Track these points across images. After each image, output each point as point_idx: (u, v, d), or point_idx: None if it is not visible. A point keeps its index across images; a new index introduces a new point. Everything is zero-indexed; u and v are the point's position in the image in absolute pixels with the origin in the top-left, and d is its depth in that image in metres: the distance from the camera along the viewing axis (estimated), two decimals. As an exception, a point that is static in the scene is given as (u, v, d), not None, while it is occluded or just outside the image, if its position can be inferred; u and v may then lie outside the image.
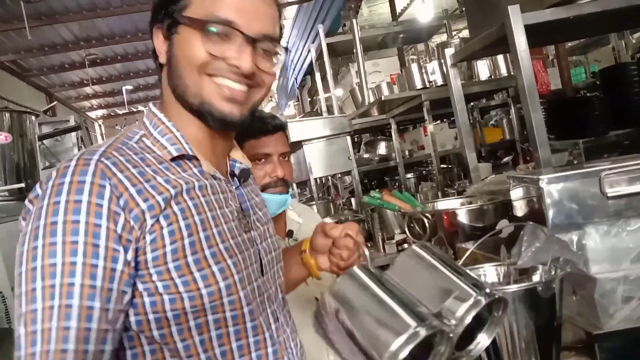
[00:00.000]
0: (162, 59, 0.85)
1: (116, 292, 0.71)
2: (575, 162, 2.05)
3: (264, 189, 1.49)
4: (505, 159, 4.44)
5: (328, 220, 2.93)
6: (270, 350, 0.86)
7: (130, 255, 0.73)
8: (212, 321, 0.79)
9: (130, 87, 11.92)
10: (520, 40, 1.55)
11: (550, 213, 1.16)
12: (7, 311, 2.58)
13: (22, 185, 1.46)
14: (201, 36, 0.80)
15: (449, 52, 2.13)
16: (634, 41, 5.46)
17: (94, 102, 13.52)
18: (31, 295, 0.68)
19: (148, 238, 0.74)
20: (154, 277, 0.75)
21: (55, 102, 9.84)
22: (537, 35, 1.63)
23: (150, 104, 0.90)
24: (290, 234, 1.58)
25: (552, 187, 1.17)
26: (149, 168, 0.79)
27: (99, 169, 0.74)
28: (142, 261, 0.74)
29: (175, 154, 0.83)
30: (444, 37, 5.58)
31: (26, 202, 0.77)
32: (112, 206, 0.72)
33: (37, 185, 0.75)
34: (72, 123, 6.31)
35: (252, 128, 1.42)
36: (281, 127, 1.52)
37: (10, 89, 8.85)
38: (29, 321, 0.67)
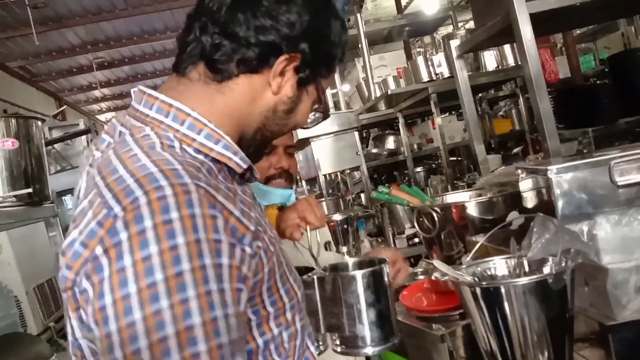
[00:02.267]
0: (276, 90, 0.77)
1: (242, 340, 0.64)
2: (585, 151, 2.02)
3: (267, 180, 1.48)
4: (515, 150, 4.41)
5: (338, 216, 2.92)
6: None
7: (247, 292, 0.65)
8: (286, 336, 0.77)
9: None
10: (526, 30, 1.53)
11: (560, 204, 1.15)
12: (22, 314, 2.60)
13: (30, 190, 1.47)
14: (312, 109, 0.84)
15: (454, 43, 2.10)
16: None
17: (103, 105, 13.60)
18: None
19: (253, 263, 0.67)
20: (246, 306, 0.67)
21: (64, 107, 9.92)
22: (543, 23, 1.61)
23: (159, 95, 0.75)
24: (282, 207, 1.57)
25: (561, 177, 1.15)
26: (223, 182, 0.71)
27: (202, 195, 0.61)
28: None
29: (244, 166, 0.76)
30: (450, 29, 5.54)
31: (99, 251, 0.59)
32: (228, 238, 0.62)
33: (106, 234, 0.59)
34: (81, 127, 6.37)
35: None
36: None
37: (19, 95, 8.93)
38: None
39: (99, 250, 0.58)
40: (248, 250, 0.65)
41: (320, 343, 0.97)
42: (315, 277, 0.96)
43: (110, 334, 0.56)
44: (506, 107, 4.92)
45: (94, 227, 0.60)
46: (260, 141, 0.82)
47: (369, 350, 0.91)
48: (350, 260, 1.02)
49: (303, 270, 1.01)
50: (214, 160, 0.73)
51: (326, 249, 1.54)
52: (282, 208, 1.32)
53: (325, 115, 0.90)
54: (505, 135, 4.80)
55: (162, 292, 0.56)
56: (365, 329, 0.91)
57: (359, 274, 0.92)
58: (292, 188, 1.53)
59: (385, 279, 0.96)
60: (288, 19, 0.74)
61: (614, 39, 5.59)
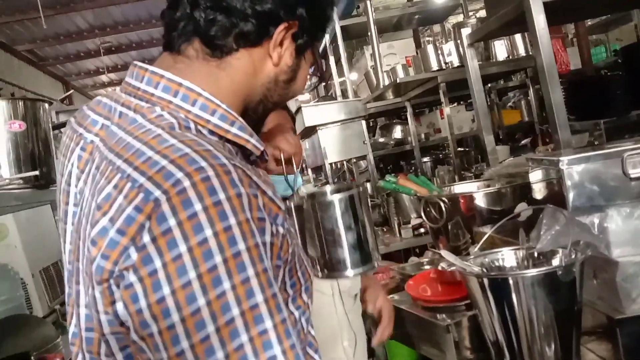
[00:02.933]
0: (277, 60, 0.75)
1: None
2: (596, 143, 2.00)
3: (268, 170, 1.47)
4: (523, 141, 4.37)
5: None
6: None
7: (282, 271, 0.68)
8: (304, 320, 0.78)
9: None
10: (539, 18, 1.50)
11: (571, 195, 1.13)
12: (28, 297, 2.62)
13: (37, 172, 1.47)
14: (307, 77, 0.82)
15: (466, 32, 2.08)
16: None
17: (110, 90, 13.62)
18: (230, 329, 0.55)
19: (284, 243, 0.67)
20: None
21: (71, 91, 9.93)
22: (556, 12, 1.58)
23: (164, 72, 0.70)
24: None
25: (573, 169, 1.13)
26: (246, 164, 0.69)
27: (242, 175, 0.60)
28: None
29: (261, 148, 0.74)
30: (460, 18, 5.48)
31: (147, 240, 0.55)
32: (269, 217, 0.62)
33: (151, 220, 0.55)
34: (88, 111, 6.36)
35: None
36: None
37: (27, 78, 8.95)
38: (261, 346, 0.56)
39: (146, 239, 0.55)
40: (281, 230, 0.65)
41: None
42: (292, 204, 0.96)
43: (173, 325, 0.54)
44: (515, 98, 4.88)
45: (130, 212, 0.56)
46: (262, 113, 0.81)
47: (349, 272, 0.93)
48: (328, 187, 1.01)
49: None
50: (229, 141, 0.70)
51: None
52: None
53: (321, 79, 0.88)
54: (514, 127, 4.77)
55: (223, 274, 0.54)
56: (345, 252, 0.92)
57: (335, 198, 0.92)
58: (293, 173, 1.52)
59: (362, 203, 0.95)
60: None
61: (626, 31, 5.52)
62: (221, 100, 0.70)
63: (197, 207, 0.55)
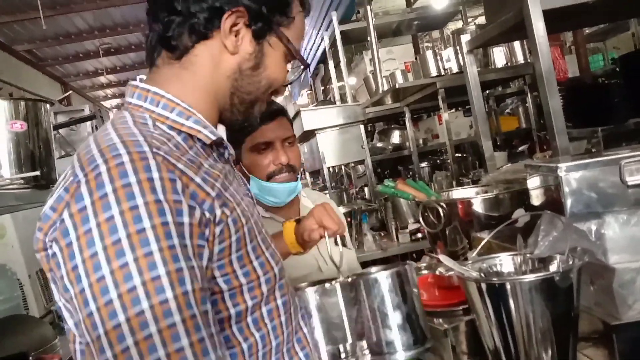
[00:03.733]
0: (234, 49, 0.80)
1: (205, 290, 0.68)
2: (593, 150, 2.01)
3: (269, 177, 1.47)
4: (520, 148, 4.39)
5: (342, 209, 2.92)
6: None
7: (208, 251, 0.70)
8: (265, 311, 0.80)
9: (144, 77, 11.92)
10: (539, 26, 1.52)
11: (569, 202, 1.14)
12: (25, 297, 2.61)
13: (37, 173, 1.47)
14: (285, 62, 0.86)
15: (465, 38, 2.09)
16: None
17: (109, 91, 13.61)
18: (151, 315, 0.60)
19: (217, 230, 0.71)
20: (216, 273, 0.72)
21: (70, 92, 9.92)
22: (555, 20, 1.60)
23: (140, 83, 0.82)
24: (298, 222, 1.56)
25: (571, 176, 1.14)
26: (189, 154, 0.76)
27: (160, 162, 0.66)
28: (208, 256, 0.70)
29: (213, 138, 0.81)
30: (459, 24, 5.51)
31: (66, 216, 0.64)
32: (187, 200, 0.67)
33: (72, 199, 0.64)
34: (87, 112, 6.37)
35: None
36: (280, 112, 1.50)
37: (26, 79, 8.93)
38: (170, 341, 0.60)
39: (65, 214, 0.64)
40: (207, 214, 0.70)
41: (349, 353, 0.95)
42: (337, 283, 0.95)
43: (83, 290, 0.62)
44: (513, 105, 4.90)
45: (61, 192, 0.66)
46: (242, 105, 0.85)
47: (400, 356, 0.89)
48: (374, 268, 0.99)
49: (325, 282, 1.00)
50: (188, 137, 0.79)
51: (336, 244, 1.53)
52: (299, 221, 1.29)
53: (305, 65, 0.90)
54: (511, 133, 4.79)
55: (127, 247, 0.61)
56: (394, 333, 0.89)
57: (382, 275, 0.90)
58: (296, 180, 1.52)
59: (411, 280, 0.92)
60: None
61: (623, 39, 5.56)
62: (184, 99, 0.80)
63: (108, 188, 0.63)
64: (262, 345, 0.79)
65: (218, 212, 0.71)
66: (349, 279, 0.94)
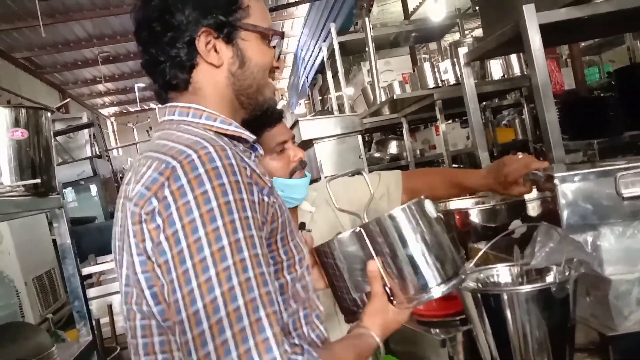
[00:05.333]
0: (219, 62, 0.92)
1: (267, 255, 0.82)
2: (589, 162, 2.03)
3: (291, 174, 1.50)
4: (517, 159, 4.40)
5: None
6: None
7: (265, 229, 0.84)
8: (300, 287, 0.91)
9: (142, 85, 11.98)
10: (535, 39, 1.54)
11: (565, 213, 1.15)
12: (20, 305, 2.61)
13: (38, 180, 1.48)
14: (267, 44, 0.96)
15: (462, 51, 2.11)
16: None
17: (107, 99, 13.62)
18: (234, 269, 0.73)
19: (271, 211, 0.85)
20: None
21: (68, 99, 9.94)
22: (552, 34, 1.61)
23: (180, 102, 0.93)
24: (302, 226, 1.57)
25: (567, 187, 1.16)
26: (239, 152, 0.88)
27: (235, 153, 0.82)
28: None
29: (253, 137, 0.94)
30: (456, 36, 5.56)
31: (166, 193, 0.77)
32: (254, 184, 0.82)
33: (169, 179, 0.77)
34: (84, 120, 6.37)
35: (266, 119, 1.44)
36: (282, 113, 1.55)
37: (24, 86, 8.95)
38: (245, 289, 0.73)
39: (166, 192, 0.76)
40: (266, 199, 0.84)
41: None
42: (358, 227, 0.94)
43: (181, 250, 0.74)
44: (510, 117, 4.93)
45: (155, 176, 0.78)
46: (251, 99, 0.96)
47: (435, 291, 0.88)
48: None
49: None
50: (229, 141, 0.89)
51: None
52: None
53: (281, 35, 0.98)
54: (507, 145, 4.81)
55: (217, 215, 0.75)
56: (424, 271, 0.88)
57: (396, 211, 0.89)
58: (306, 175, 1.55)
59: (430, 211, 0.91)
60: (173, 22, 0.90)
61: (619, 53, 5.61)
62: (217, 112, 0.93)
63: (201, 170, 0.77)
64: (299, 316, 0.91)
65: (272, 198, 0.86)
66: (358, 229, 0.93)
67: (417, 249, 0.90)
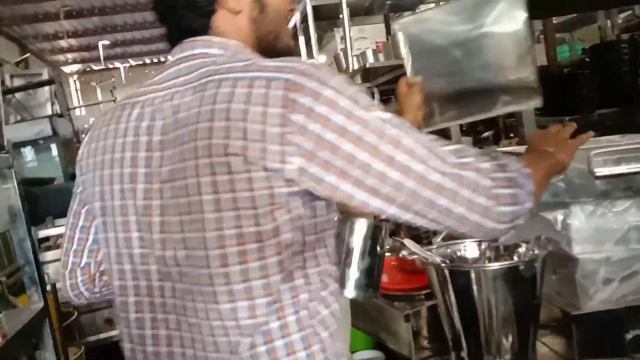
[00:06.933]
0: (238, 7, 0.86)
1: None
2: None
3: None
4: (485, 134, 4.42)
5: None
6: None
7: None
8: None
9: (107, 43, 11.55)
10: (514, 11, 1.49)
11: (537, 190, 1.13)
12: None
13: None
14: None
15: (439, 20, 2.05)
16: (620, 21, 5.43)
17: (69, 56, 13.13)
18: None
19: None
20: None
21: (28, 54, 9.51)
22: (532, 7, 1.57)
23: (210, 37, 0.86)
24: None
25: (540, 164, 1.13)
26: None
27: None
28: None
29: None
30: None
31: (305, 102, 0.70)
32: None
33: (299, 90, 0.70)
34: (45, 76, 6.10)
35: None
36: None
37: (-20, 38, 8.51)
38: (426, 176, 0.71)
39: (304, 100, 0.69)
40: None
41: None
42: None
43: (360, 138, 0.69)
44: (481, 91, 4.92)
45: (278, 92, 0.70)
46: (269, 43, 0.90)
47: (349, 293, 0.94)
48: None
49: None
50: None
51: None
52: None
53: None
54: (477, 119, 4.82)
55: (358, 99, 0.71)
56: (352, 272, 0.94)
57: (362, 222, 0.96)
58: None
59: (381, 238, 0.99)
60: None
61: (590, 31, 5.65)
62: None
63: (317, 73, 0.71)
64: None
65: None
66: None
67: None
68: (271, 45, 0.91)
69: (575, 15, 5.03)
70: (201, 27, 0.86)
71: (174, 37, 0.88)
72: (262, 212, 0.71)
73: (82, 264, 0.95)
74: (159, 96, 0.82)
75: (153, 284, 0.81)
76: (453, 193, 0.72)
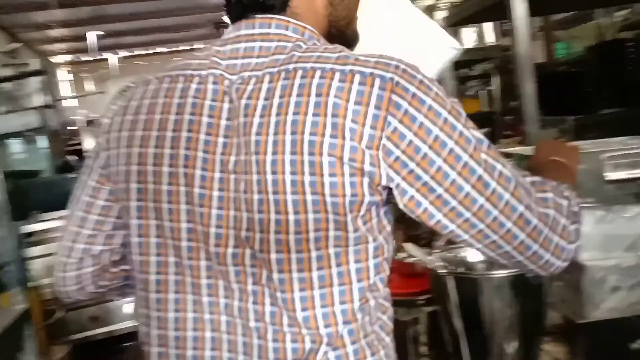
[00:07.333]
0: None
1: None
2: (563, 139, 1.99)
3: None
4: (482, 131, 4.38)
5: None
6: None
7: None
8: None
9: (100, 33, 11.43)
10: (520, 7, 1.47)
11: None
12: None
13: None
14: None
15: (440, 15, 2.02)
16: (614, 19, 5.41)
17: (61, 46, 12.99)
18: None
19: None
20: None
21: (19, 44, 9.38)
22: (536, 2, 1.54)
23: (290, 18, 0.79)
24: None
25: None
26: None
27: None
28: None
29: None
30: (429, 1, 5.44)
31: (403, 103, 0.67)
32: None
33: (392, 92, 0.67)
34: (35, 67, 6.01)
35: None
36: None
37: (-31, 26, 8.38)
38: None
39: (402, 102, 0.66)
40: None
41: None
42: None
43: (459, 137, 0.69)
44: (477, 88, 4.90)
45: (378, 92, 0.66)
46: (339, 34, 0.85)
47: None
48: None
49: None
50: None
51: None
52: None
53: None
54: (471, 116, 4.75)
55: (457, 115, 0.70)
56: None
57: None
58: None
59: None
60: None
61: (587, 29, 5.63)
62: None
63: (420, 76, 0.69)
64: None
65: None
66: None
67: None
68: (342, 31, 0.86)
69: (571, 12, 5.00)
70: (279, 4, 0.78)
71: (241, 10, 0.79)
72: (351, 218, 0.67)
73: (97, 251, 0.83)
74: (225, 75, 0.74)
75: (201, 282, 0.73)
76: (535, 230, 0.70)
